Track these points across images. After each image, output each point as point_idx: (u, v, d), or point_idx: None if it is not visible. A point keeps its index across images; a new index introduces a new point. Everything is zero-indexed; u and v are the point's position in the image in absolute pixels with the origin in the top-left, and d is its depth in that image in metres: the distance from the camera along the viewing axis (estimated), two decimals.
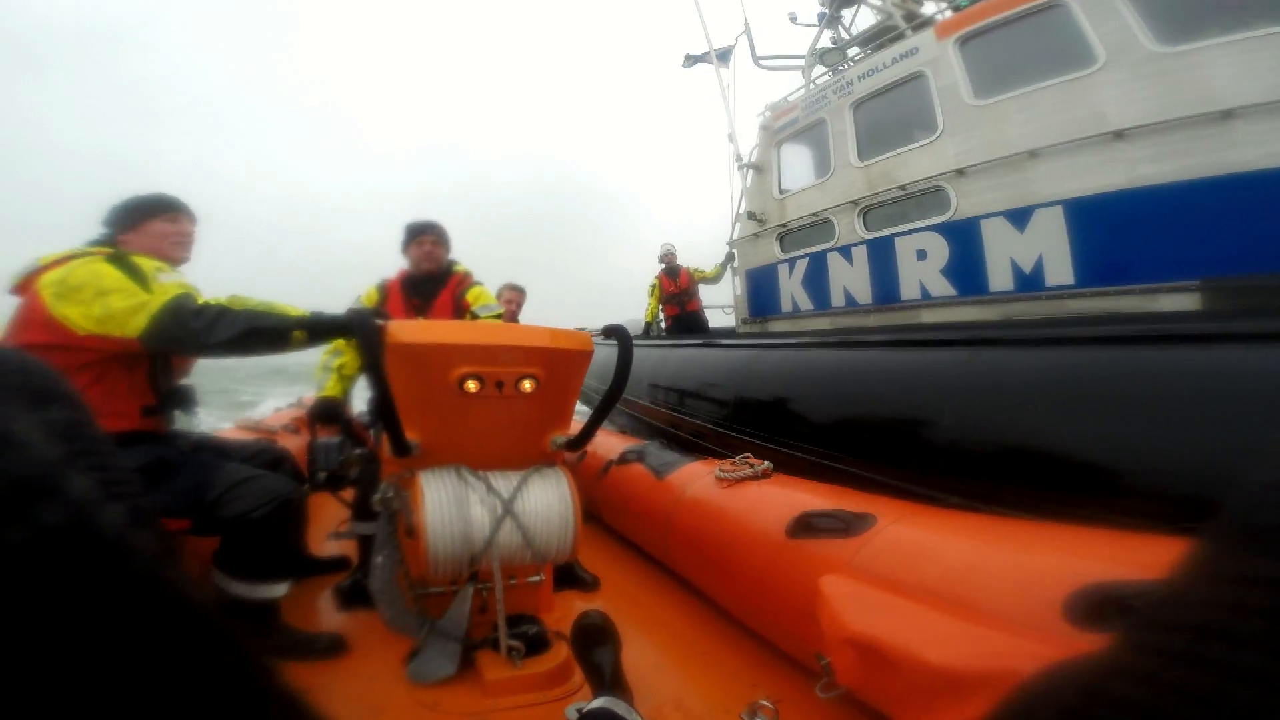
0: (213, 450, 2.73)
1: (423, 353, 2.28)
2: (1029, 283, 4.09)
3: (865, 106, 5.67)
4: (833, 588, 2.09)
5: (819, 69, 7.25)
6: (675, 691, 2.41)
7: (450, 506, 2.28)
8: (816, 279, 5.79)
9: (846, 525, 2.36)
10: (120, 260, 2.32)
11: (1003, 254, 4.25)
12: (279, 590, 2.57)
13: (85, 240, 2.48)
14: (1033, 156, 4.15)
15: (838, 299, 5.54)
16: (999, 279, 4.26)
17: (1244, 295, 3.21)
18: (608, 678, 2.01)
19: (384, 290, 3.61)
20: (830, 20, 7.84)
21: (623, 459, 4.09)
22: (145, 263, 2.38)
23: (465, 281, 3.64)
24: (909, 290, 4.87)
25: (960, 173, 4.57)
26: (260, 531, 2.42)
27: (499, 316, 3.52)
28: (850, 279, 5.42)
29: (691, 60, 9.12)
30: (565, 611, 2.77)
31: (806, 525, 2.48)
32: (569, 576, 3.39)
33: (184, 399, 2.64)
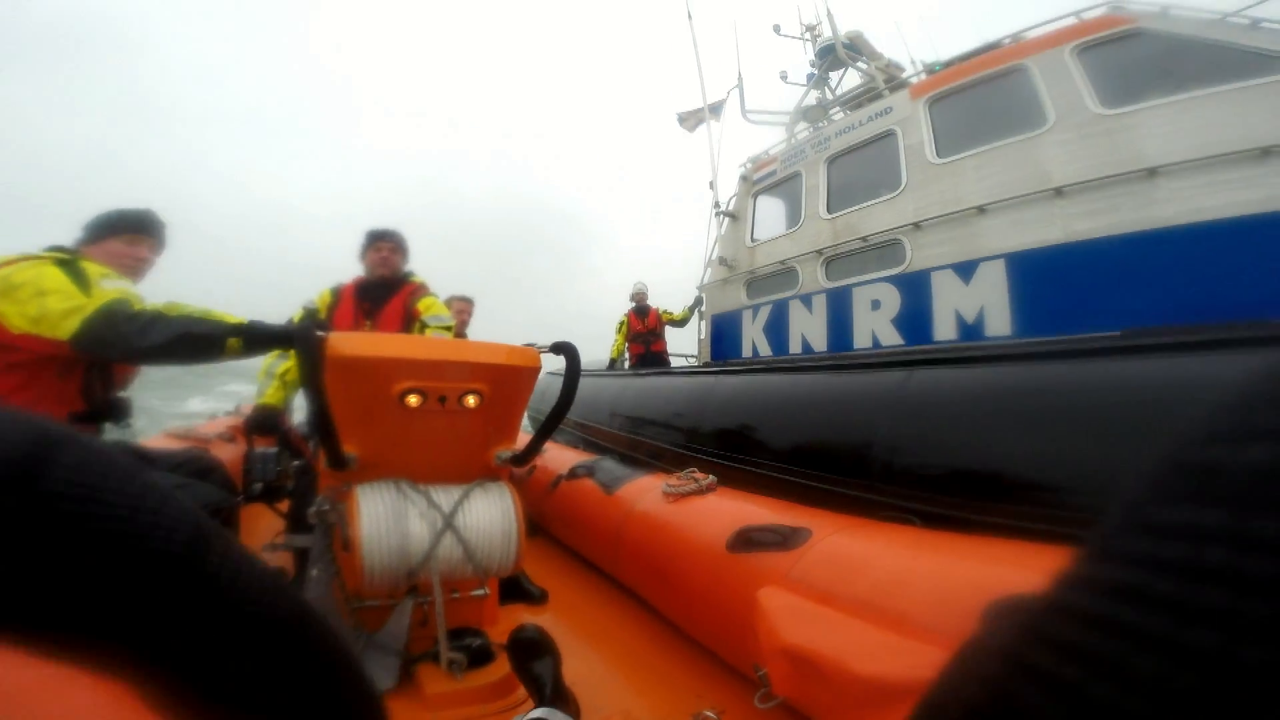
0: (137, 459, 2.59)
1: (363, 366, 2.24)
2: (970, 333, 4.16)
3: (839, 162, 5.84)
4: (770, 600, 2.15)
5: (801, 124, 7.44)
6: (622, 703, 2.44)
7: (388, 520, 2.25)
8: (777, 326, 5.86)
9: (784, 539, 2.42)
10: (68, 265, 2.30)
11: (949, 305, 4.34)
12: None
13: (47, 246, 2.46)
14: (980, 212, 4.27)
15: (795, 346, 5.60)
16: (944, 329, 4.33)
17: (1174, 347, 3.25)
18: (548, 690, 2.00)
19: (337, 294, 3.60)
20: (818, 80, 8.13)
21: (573, 473, 4.11)
22: (93, 268, 2.36)
23: (419, 291, 3.62)
24: (862, 339, 4.94)
25: (916, 226, 4.68)
26: None
27: (449, 329, 3.50)
28: (809, 326, 5.49)
29: (686, 118, 9.34)
30: (511, 625, 2.76)
31: (746, 540, 2.54)
32: (516, 590, 3.38)
33: (116, 410, 2.58)
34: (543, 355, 2.57)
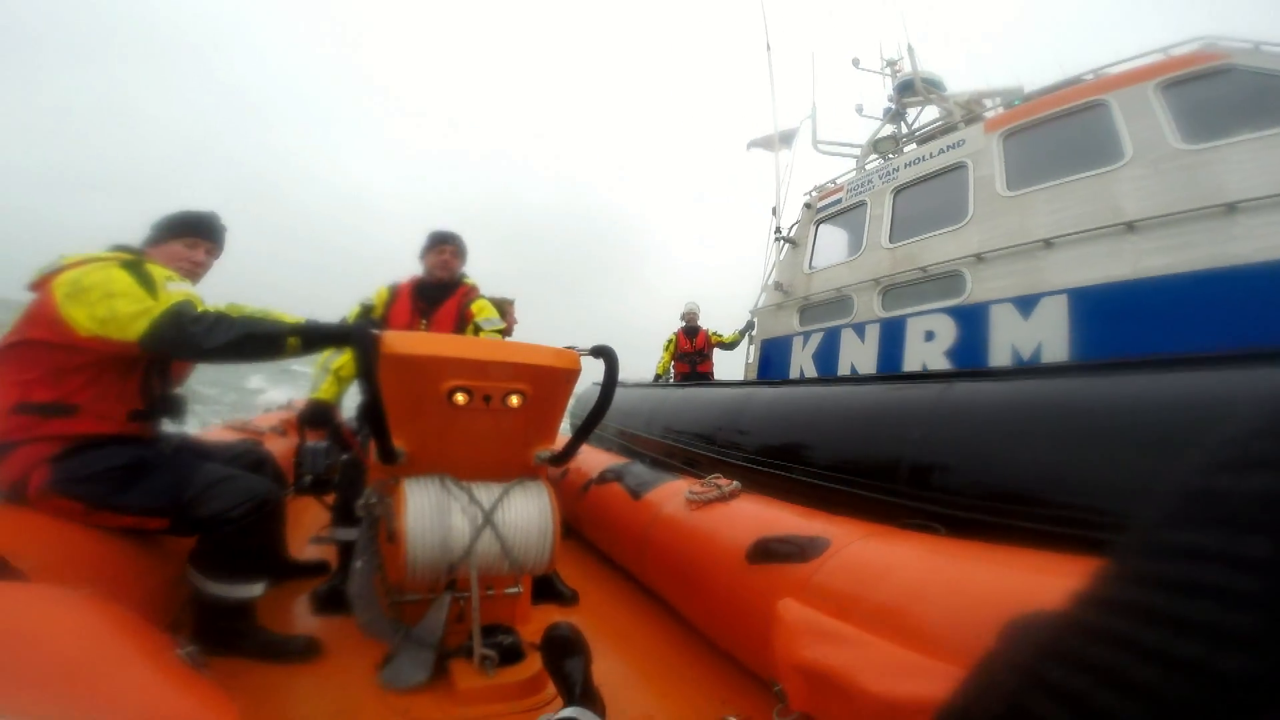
0: (193, 452, 2.74)
1: (415, 364, 2.30)
2: (1027, 364, 3.97)
3: (906, 192, 5.77)
4: (787, 613, 2.14)
5: (872, 155, 7.35)
6: (647, 707, 2.46)
7: (432, 514, 2.30)
8: (828, 353, 5.76)
9: (801, 550, 2.41)
10: (134, 267, 2.38)
11: (1006, 339, 4.20)
12: (255, 590, 2.58)
13: (113, 245, 2.56)
14: (1047, 245, 4.14)
15: (844, 371, 5.51)
16: (999, 362, 4.19)
17: None
18: (578, 689, 2.02)
19: (395, 291, 3.68)
20: (895, 115, 8.05)
21: (602, 478, 4.16)
22: (158, 271, 2.45)
23: (471, 294, 3.72)
24: (912, 368, 4.81)
25: (979, 258, 4.57)
26: (237, 530, 2.43)
27: (500, 332, 3.57)
28: (859, 355, 5.38)
29: (759, 142, 9.32)
30: (543, 624, 2.69)
31: (765, 550, 2.54)
32: (548, 590, 3.42)
33: (173, 407, 2.67)
34: (583, 359, 2.58)
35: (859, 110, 8.80)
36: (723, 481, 3.27)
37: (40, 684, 1.23)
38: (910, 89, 7.87)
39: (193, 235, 2.69)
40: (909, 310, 5.04)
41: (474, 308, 3.63)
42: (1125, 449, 2.12)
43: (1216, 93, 3.99)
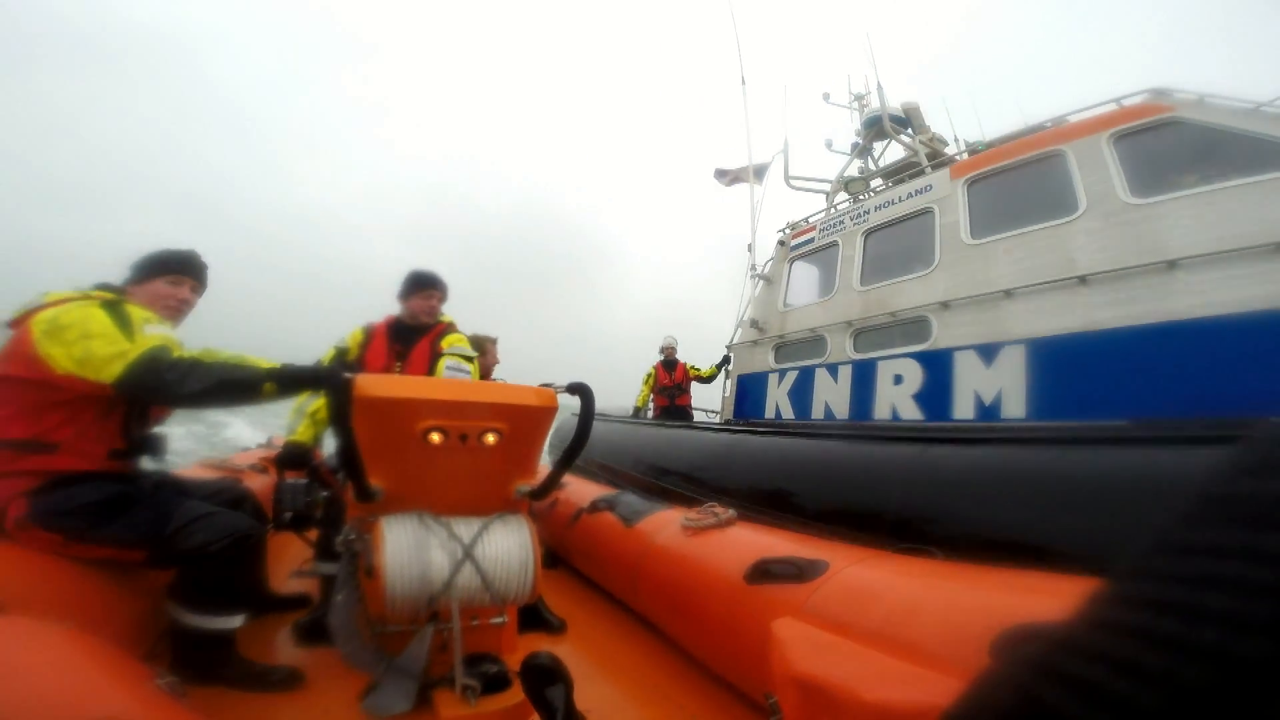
0: (173, 488, 2.77)
1: (389, 406, 2.32)
2: (988, 413, 4.17)
3: (876, 235, 5.92)
4: (784, 630, 2.19)
5: (841, 195, 7.53)
6: None
7: (410, 550, 2.32)
8: (802, 391, 5.92)
9: (800, 571, 2.49)
10: (113, 307, 2.42)
11: (969, 385, 4.36)
12: (234, 622, 2.61)
13: (95, 284, 2.60)
14: (1008, 295, 4.30)
15: (818, 412, 5.64)
16: (963, 408, 4.35)
17: (1182, 440, 3.26)
18: (559, 717, 2.03)
19: (369, 333, 3.69)
20: (862, 150, 8.27)
21: (594, 507, 4.20)
22: (137, 312, 2.48)
23: (447, 331, 3.73)
24: (882, 410, 4.97)
25: (945, 305, 4.73)
26: (217, 564, 2.47)
27: (471, 359, 3.63)
28: (832, 395, 5.54)
29: (723, 176, 9.49)
30: (530, 653, 2.83)
31: (764, 571, 2.61)
32: (536, 619, 3.47)
33: (154, 446, 2.70)
34: (560, 395, 2.65)
35: (828, 145, 8.99)
36: (719, 509, 3.34)
37: (22, 717, 1.26)
38: (877, 124, 8.05)
39: (175, 273, 2.72)
40: (879, 353, 5.21)
41: (444, 342, 3.65)
42: (1081, 511, 2.45)
43: (1163, 145, 4.10)
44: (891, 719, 1.65)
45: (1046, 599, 1.81)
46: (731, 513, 3.31)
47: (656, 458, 5.78)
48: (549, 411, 2.57)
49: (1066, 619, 0.36)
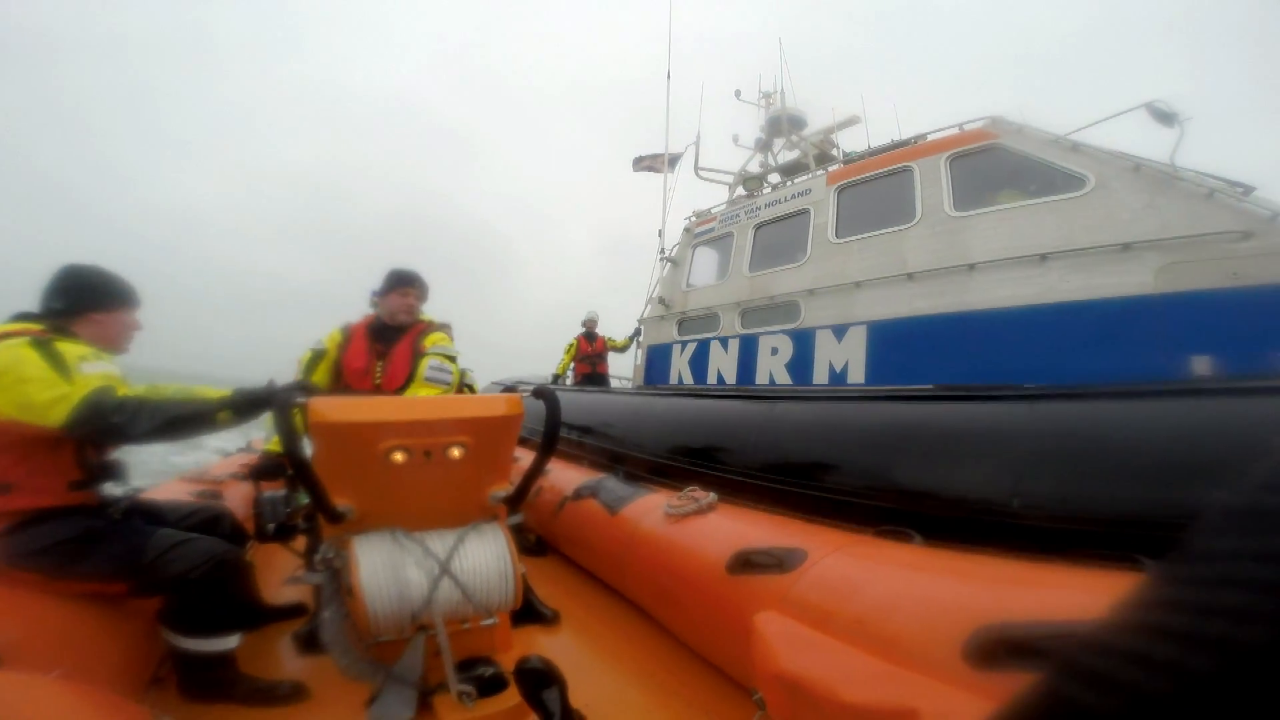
0: (144, 515, 2.75)
1: (347, 430, 2.29)
2: (837, 379, 5.25)
3: (764, 229, 6.81)
4: (766, 626, 2.24)
5: (740, 189, 8.48)
6: None
7: (385, 570, 2.31)
8: (700, 360, 6.90)
9: (780, 561, 2.53)
10: (44, 346, 2.31)
11: (825, 357, 5.43)
12: (230, 642, 2.61)
13: (14, 314, 2.51)
14: (857, 287, 5.34)
15: (712, 378, 6.65)
16: (820, 375, 5.42)
17: (965, 400, 4.31)
18: (556, 718, 2.05)
19: (348, 334, 3.62)
20: (764, 145, 9.09)
21: (577, 494, 4.28)
22: (70, 349, 2.36)
23: (428, 329, 3.68)
24: (762, 377, 6.02)
25: (811, 292, 5.74)
26: (201, 590, 2.46)
27: (453, 359, 3.60)
28: (724, 364, 6.54)
29: (639, 162, 10.25)
30: (526, 647, 2.87)
31: (745, 562, 2.66)
32: (529, 612, 3.46)
33: (112, 473, 2.63)
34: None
35: (735, 140, 9.57)
36: (699, 494, 3.42)
37: None
38: (778, 123, 8.88)
39: (120, 304, 2.67)
40: (761, 330, 6.19)
41: (426, 341, 3.59)
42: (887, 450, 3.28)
43: (983, 167, 4.90)
44: (869, 718, 1.71)
45: (1022, 590, 1.91)
46: (712, 497, 3.38)
47: (584, 419, 6.42)
48: (514, 419, 2.54)
49: (1091, 626, 0.37)
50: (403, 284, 3.60)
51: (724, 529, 3.02)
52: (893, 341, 4.97)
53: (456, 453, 2.42)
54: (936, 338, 4.68)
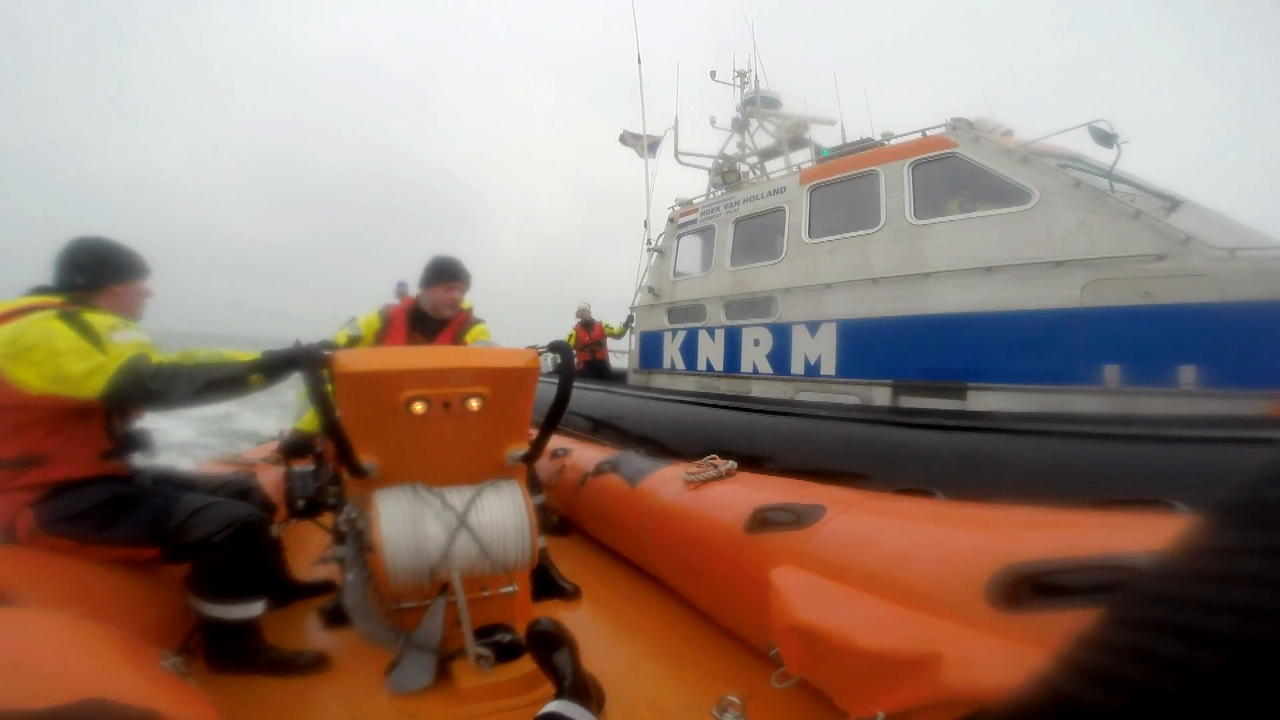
0: (174, 483, 2.78)
1: (369, 380, 2.34)
2: (812, 370, 5.90)
3: (742, 224, 7.24)
4: (782, 578, 2.20)
5: (718, 178, 8.82)
6: (650, 692, 2.52)
7: (405, 522, 2.35)
8: (689, 347, 7.48)
9: (797, 517, 2.50)
10: (72, 318, 2.33)
11: (801, 349, 6.05)
12: (254, 610, 2.62)
13: (31, 288, 2.50)
14: (827, 288, 5.90)
15: (701, 365, 7.24)
16: (797, 365, 6.06)
17: (917, 391, 5.04)
18: (568, 679, 2.05)
19: (386, 318, 3.60)
20: (740, 125, 9.46)
21: (598, 470, 4.29)
22: (99, 320, 2.39)
23: (468, 319, 3.67)
24: (746, 365, 6.64)
25: (787, 290, 6.28)
26: (225, 554, 2.49)
27: None
28: (711, 351, 7.14)
29: (628, 139, 10.32)
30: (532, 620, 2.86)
31: (762, 520, 2.62)
32: (549, 586, 3.47)
33: (141, 442, 2.68)
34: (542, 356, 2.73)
35: (712, 122, 9.96)
36: (719, 461, 3.38)
37: (32, 697, 1.30)
38: (753, 103, 9.25)
39: (135, 275, 2.70)
40: (743, 322, 6.76)
41: (469, 336, 3.59)
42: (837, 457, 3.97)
43: (943, 175, 5.23)
44: (888, 665, 1.66)
45: (1046, 532, 1.86)
46: (732, 464, 3.34)
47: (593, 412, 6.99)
48: (531, 373, 2.57)
49: (1092, 620, 0.36)
50: (448, 277, 3.56)
51: (743, 493, 2.98)
52: (859, 339, 5.59)
53: (475, 404, 2.47)
54: (896, 337, 5.29)
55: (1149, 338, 3.98)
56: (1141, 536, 1.56)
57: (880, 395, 5.31)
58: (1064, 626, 1.10)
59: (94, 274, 2.58)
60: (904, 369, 5.16)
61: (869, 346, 5.52)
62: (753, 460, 4.07)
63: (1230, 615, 0.30)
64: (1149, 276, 4.01)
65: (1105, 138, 4.47)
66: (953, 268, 4.94)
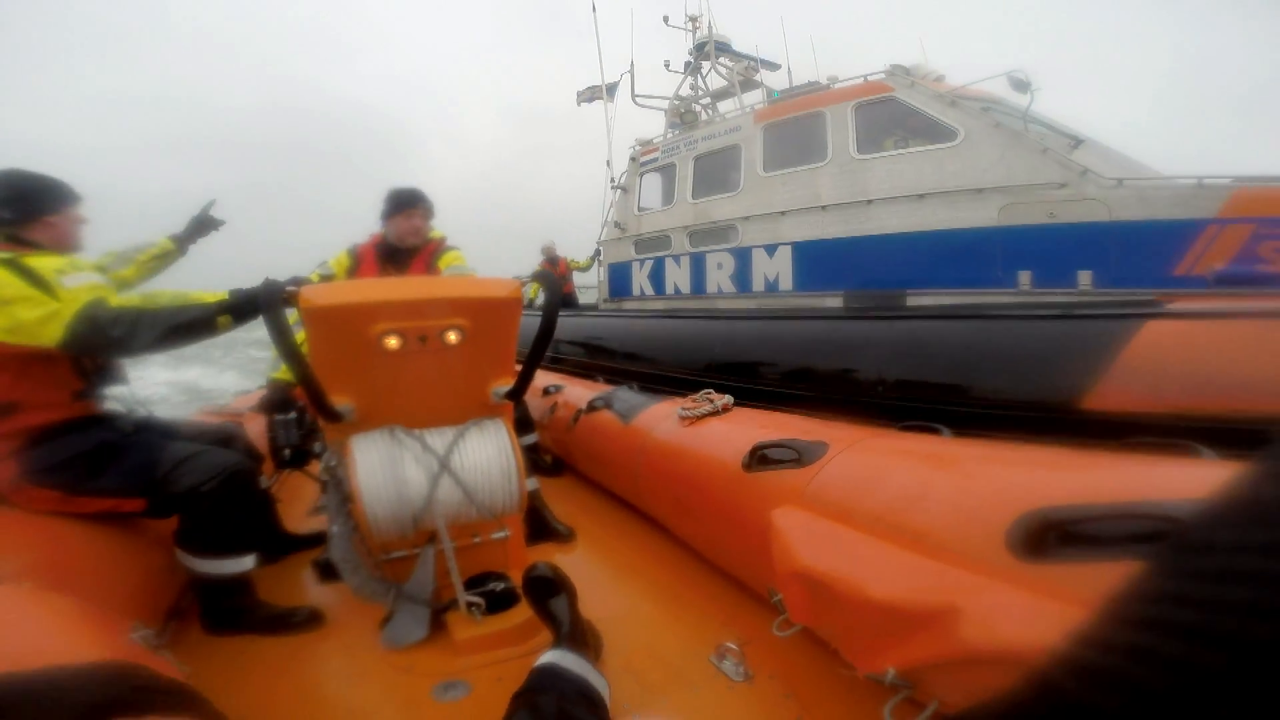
0: (157, 431, 2.65)
1: (338, 314, 2.18)
2: (771, 287, 6.64)
3: (701, 160, 7.75)
4: (783, 520, 2.08)
5: (675, 119, 9.42)
6: (647, 638, 2.41)
7: (383, 468, 2.21)
8: (657, 275, 8.12)
9: (799, 455, 2.35)
10: (13, 265, 2.18)
11: (760, 269, 6.77)
12: (245, 564, 2.52)
13: None
14: (782, 215, 6.62)
15: (670, 289, 7.89)
16: (758, 284, 6.79)
17: (863, 300, 5.85)
18: (565, 628, 1.98)
19: (356, 256, 3.50)
20: (693, 69, 9.96)
21: (591, 407, 4.14)
22: (43, 263, 2.24)
23: (439, 248, 3.55)
24: (711, 287, 7.32)
25: (746, 219, 6.95)
26: (214, 505, 2.38)
27: None
28: (678, 277, 7.79)
29: (585, 96, 10.91)
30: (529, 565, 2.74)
31: (761, 457, 2.49)
32: (544, 529, 3.38)
33: (113, 375, 2.57)
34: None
35: (666, 65, 10.33)
36: (715, 396, 3.24)
37: None
38: (705, 47, 9.72)
39: (67, 202, 2.53)
40: (707, 248, 7.38)
41: (441, 263, 3.46)
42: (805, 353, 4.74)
43: (882, 116, 5.89)
44: (900, 617, 1.55)
45: (1069, 474, 1.68)
46: (728, 399, 3.21)
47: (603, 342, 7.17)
48: (513, 303, 2.42)
49: (1093, 618, 0.35)
50: (406, 205, 3.45)
51: (740, 430, 2.85)
52: (812, 258, 6.35)
53: (453, 337, 2.31)
54: (845, 255, 6.07)
55: (1053, 249, 4.87)
56: (1172, 483, 1.43)
57: (832, 305, 6.11)
58: (1095, 580, 1.11)
59: (22, 206, 2.40)
60: (851, 281, 5.95)
61: (821, 264, 6.29)
62: (733, 368, 4.78)
63: (1235, 615, 0.30)
64: (1054, 201, 4.83)
65: (1020, 85, 5.18)
66: (891, 195, 5.70)
